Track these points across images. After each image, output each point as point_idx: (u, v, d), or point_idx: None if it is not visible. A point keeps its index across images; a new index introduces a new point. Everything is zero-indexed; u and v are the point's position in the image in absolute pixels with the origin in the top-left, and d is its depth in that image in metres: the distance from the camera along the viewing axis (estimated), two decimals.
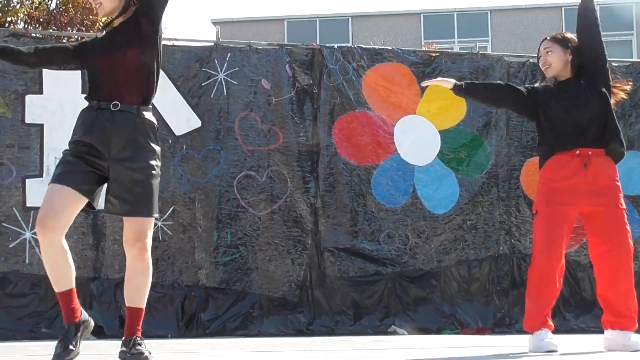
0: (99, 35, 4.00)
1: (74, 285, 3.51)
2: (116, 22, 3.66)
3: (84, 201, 3.45)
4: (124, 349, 3.40)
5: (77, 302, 3.52)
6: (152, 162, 3.52)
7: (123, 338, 3.51)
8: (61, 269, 3.44)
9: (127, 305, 3.59)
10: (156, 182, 3.55)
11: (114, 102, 3.47)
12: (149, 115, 3.57)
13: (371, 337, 6.29)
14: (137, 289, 3.56)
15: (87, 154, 3.46)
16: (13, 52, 3.71)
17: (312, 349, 5.03)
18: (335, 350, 4.98)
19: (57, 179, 3.43)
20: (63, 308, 3.49)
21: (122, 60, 3.51)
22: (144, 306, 3.60)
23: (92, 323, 3.62)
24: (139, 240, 3.46)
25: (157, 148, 3.60)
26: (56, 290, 3.50)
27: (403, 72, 7.09)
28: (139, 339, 3.48)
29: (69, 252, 3.48)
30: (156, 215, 3.58)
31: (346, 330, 6.66)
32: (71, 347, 3.40)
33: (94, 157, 3.47)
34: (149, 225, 3.51)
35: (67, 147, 3.57)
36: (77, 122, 3.60)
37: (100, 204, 3.62)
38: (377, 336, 6.43)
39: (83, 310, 3.56)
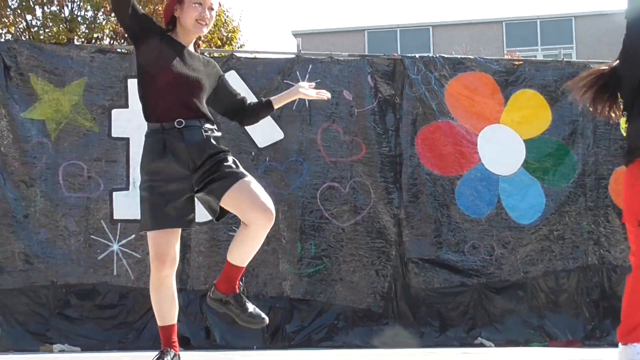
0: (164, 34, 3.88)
1: (175, 321, 3.62)
2: (186, 42, 3.67)
3: (180, 229, 3.57)
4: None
5: (176, 338, 3.63)
6: (226, 154, 3.54)
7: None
8: (169, 305, 3.57)
9: (232, 262, 3.56)
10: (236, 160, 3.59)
11: (178, 120, 3.51)
12: (212, 126, 3.60)
13: (458, 350, 6.29)
14: (249, 253, 3.55)
15: (166, 181, 3.48)
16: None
17: None
18: None
19: (157, 224, 3.46)
20: (163, 341, 3.61)
21: (190, 82, 3.56)
22: (245, 265, 3.62)
23: None
24: (264, 206, 3.44)
25: (227, 149, 3.65)
26: (159, 323, 3.61)
27: (486, 81, 7.11)
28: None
29: (176, 290, 3.60)
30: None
31: (432, 342, 6.67)
32: None
33: (173, 181, 3.49)
34: (258, 187, 3.49)
35: (144, 178, 3.58)
36: (144, 149, 3.62)
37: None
38: (463, 348, 6.43)
39: (178, 347, 3.68)
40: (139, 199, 3.56)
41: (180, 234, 3.60)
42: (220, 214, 3.58)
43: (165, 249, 3.46)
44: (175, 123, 3.48)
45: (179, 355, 3.61)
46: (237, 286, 3.61)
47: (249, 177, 3.48)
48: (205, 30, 3.68)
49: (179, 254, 3.58)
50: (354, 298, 6.78)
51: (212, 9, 3.66)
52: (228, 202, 3.47)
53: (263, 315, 3.64)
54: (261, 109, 3.84)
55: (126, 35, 3.76)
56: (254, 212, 3.41)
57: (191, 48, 3.66)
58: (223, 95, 3.77)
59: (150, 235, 3.51)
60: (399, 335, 6.75)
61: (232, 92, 3.80)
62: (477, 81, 7.10)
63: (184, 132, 3.49)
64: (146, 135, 3.62)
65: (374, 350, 6.40)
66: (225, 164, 3.49)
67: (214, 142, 3.54)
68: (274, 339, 6.73)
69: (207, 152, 3.50)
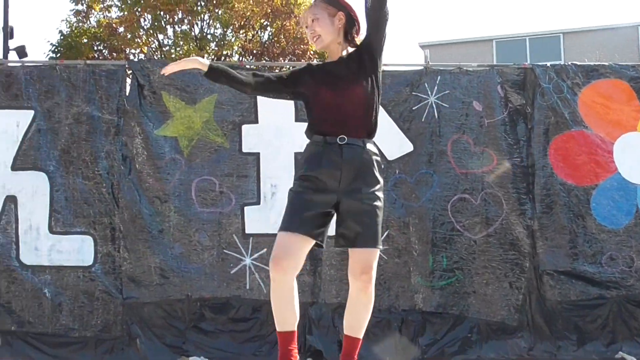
0: (313, 64, 3.99)
1: (295, 328, 3.57)
2: (334, 56, 3.75)
3: (312, 243, 3.55)
4: None
5: (295, 346, 3.57)
6: (378, 194, 3.58)
7: None
8: (287, 310, 3.53)
9: (345, 333, 3.66)
10: (381, 214, 3.61)
11: (340, 136, 3.55)
12: (373, 148, 3.65)
13: None
14: (358, 320, 3.61)
15: (314, 191, 3.54)
16: (232, 76, 3.80)
17: None
18: None
19: (290, 226, 3.51)
20: (280, 348, 3.56)
21: (349, 95, 3.59)
22: (361, 336, 3.65)
23: None
24: (364, 272, 3.52)
25: (382, 180, 3.66)
26: (278, 329, 3.59)
27: (622, 88, 6.90)
28: None
29: (297, 296, 3.57)
30: (380, 247, 3.63)
31: (569, 356, 6.53)
32: None
33: (321, 192, 3.55)
34: (374, 257, 3.55)
35: (296, 183, 3.65)
36: (302, 157, 3.71)
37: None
38: None
39: (296, 356, 3.62)
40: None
41: (309, 245, 3.57)
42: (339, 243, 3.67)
43: (283, 253, 3.45)
44: (338, 139, 3.55)
45: None
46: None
47: (372, 249, 3.52)
48: (321, 42, 3.73)
49: (307, 266, 3.59)
50: (488, 311, 6.67)
51: (316, 18, 3.72)
52: (352, 254, 3.57)
53: None
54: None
55: (369, 64, 3.80)
56: (357, 281, 3.53)
57: (345, 55, 3.73)
58: None
59: (278, 235, 3.54)
60: (534, 349, 6.60)
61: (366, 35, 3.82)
62: (612, 88, 6.89)
63: (343, 148, 3.54)
64: (308, 144, 3.70)
65: None
66: (365, 218, 3.51)
67: (371, 168, 3.58)
68: (406, 352, 6.66)
69: (360, 179, 3.53)
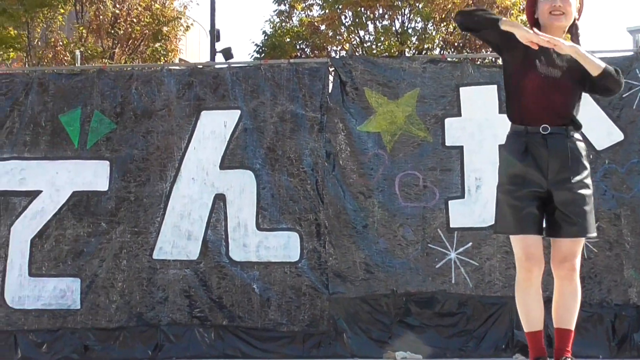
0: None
1: (542, 326, 3.70)
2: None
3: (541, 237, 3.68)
4: None
5: (543, 343, 3.69)
6: (587, 181, 3.64)
7: (552, 359, 3.62)
8: (535, 309, 3.67)
9: (555, 326, 3.70)
10: (592, 201, 3.64)
11: (543, 126, 3.60)
12: (578, 135, 3.68)
13: None
14: (567, 311, 3.66)
15: (528, 185, 3.62)
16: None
17: None
18: None
19: (522, 226, 3.63)
20: (530, 346, 3.71)
21: (557, 84, 3.63)
22: (573, 327, 3.69)
23: None
24: (567, 260, 3.59)
25: (589, 167, 3.70)
26: (526, 329, 3.72)
27: None
28: (569, 359, 3.61)
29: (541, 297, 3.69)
30: (593, 234, 3.69)
31: None
32: None
33: (534, 185, 3.62)
34: (579, 245, 3.64)
35: (503, 180, 3.74)
36: (505, 150, 3.79)
37: None
38: None
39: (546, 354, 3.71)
40: (495, 200, 3.78)
41: (541, 240, 3.67)
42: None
43: (533, 249, 3.58)
44: (541, 129, 3.60)
45: None
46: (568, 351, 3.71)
47: (579, 236, 3.62)
48: (564, 20, 3.68)
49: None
50: None
51: None
52: (555, 243, 3.65)
53: None
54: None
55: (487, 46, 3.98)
56: (559, 270, 3.62)
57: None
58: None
59: (515, 240, 3.66)
60: None
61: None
62: None
63: (547, 138, 3.60)
64: (508, 136, 3.76)
65: None
66: (575, 207, 3.59)
67: (578, 156, 3.63)
68: (620, 348, 6.80)
69: (567, 168, 3.59)
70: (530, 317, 3.69)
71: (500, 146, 4.02)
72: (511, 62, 3.74)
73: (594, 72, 3.62)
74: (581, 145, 3.68)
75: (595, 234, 3.73)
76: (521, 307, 3.69)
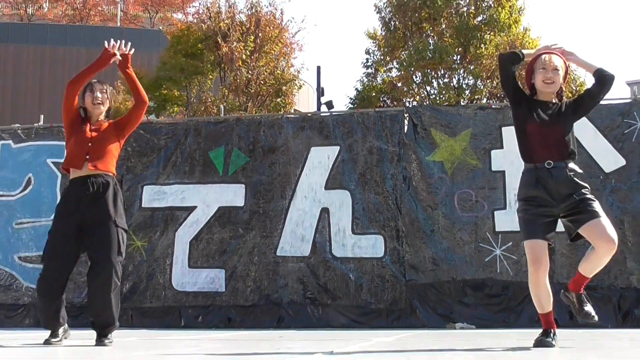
0: (532, 97, 4.54)
1: (551, 308, 4.32)
2: (546, 98, 4.34)
3: (546, 243, 4.28)
4: None
5: (552, 318, 4.29)
6: (587, 193, 4.24)
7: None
8: (544, 298, 4.26)
9: (579, 271, 4.31)
10: (593, 197, 4.24)
11: (547, 162, 4.18)
12: (573, 165, 4.28)
13: None
14: (593, 268, 4.24)
15: (538, 206, 4.17)
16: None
17: None
18: None
19: (532, 234, 4.19)
20: (544, 322, 4.32)
21: (552, 128, 4.26)
22: (590, 277, 4.30)
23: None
24: (603, 238, 4.12)
25: (588, 186, 4.29)
26: (539, 311, 4.33)
27: None
28: (583, 294, 4.26)
29: (549, 285, 4.27)
30: (604, 216, 4.20)
31: None
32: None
33: (544, 206, 4.18)
34: (605, 223, 4.17)
35: (520, 203, 4.32)
36: (522, 181, 4.35)
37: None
38: None
39: (554, 325, 4.28)
40: (517, 219, 4.41)
41: (546, 246, 4.25)
42: (575, 237, 4.30)
43: (539, 255, 4.13)
44: (545, 164, 4.18)
45: (555, 331, 4.28)
46: (582, 290, 4.33)
47: (602, 215, 4.11)
48: (553, 87, 4.32)
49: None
50: None
51: (557, 69, 4.30)
52: (584, 232, 4.18)
53: (593, 314, 4.33)
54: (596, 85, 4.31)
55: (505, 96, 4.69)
56: (601, 242, 4.09)
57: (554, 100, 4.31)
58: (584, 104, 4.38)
59: (527, 244, 4.23)
60: None
61: (583, 97, 4.41)
62: None
63: (552, 171, 4.18)
64: (523, 173, 4.34)
65: None
66: (587, 203, 4.13)
67: (577, 180, 4.20)
68: (624, 320, 8.27)
69: (570, 188, 4.16)
70: (541, 303, 4.21)
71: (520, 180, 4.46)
72: (518, 114, 4.38)
73: (591, 70, 4.31)
74: (578, 173, 4.24)
75: (604, 216, 4.19)
76: (534, 296, 4.24)
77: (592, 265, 4.24)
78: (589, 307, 4.33)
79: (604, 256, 4.14)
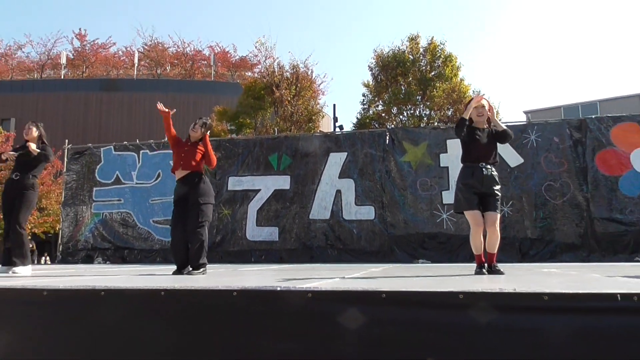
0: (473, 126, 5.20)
1: (482, 252, 4.00)
2: (481, 125, 4.17)
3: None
4: None
5: (483, 259, 3.96)
6: (498, 189, 4.03)
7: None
8: (478, 245, 3.98)
9: (487, 251, 4.00)
10: (499, 196, 4.04)
11: (481, 164, 4.04)
12: (493, 167, 4.09)
13: None
14: (493, 245, 3.96)
15: (472, 189, 4.03)
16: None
17: None
18: None
19: (471, 206, 3.99)
20: (477, 261, 4.03)
21: (486, 144, 4.08)
22: (495, 252, 4.01)
23: None
24: (493, 224, 3.93)
25: (499, 182, 4.11)
26: (475, 252, 4.02)
27: (634, 127, 8.34)
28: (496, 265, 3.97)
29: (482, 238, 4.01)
30: (499, 214, 4.02)
31: (610, 260, 7.86)
32: None
33: (476, 190, 4.02)
34: (497, 217, 3.99)
35: (460, 186, 4.05)
36: (462, 173, 4.11)
37: None
38: None
39: (484, 263, 3.97)
40: (454, 195, 4.20)
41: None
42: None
43: (478, 219, 4.03)
44: (479, 164, 4.07)
45: (485, 265, 4.02)
46: (494, 260, 4.01)
47: (497, 210, 3.96)
48: (484, 118, 4.11)
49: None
50: (563, 235, 8.44)
51: (484, 107, 4.13)
52: (484, 216, 4.05)
53: (502, 271, 3.85)
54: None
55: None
56: (490, 228, 3.99)
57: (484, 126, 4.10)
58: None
59: (468, 213, 4.07)
60: (590, 257, 8.12)
61: (498, 134, 4.12)
62: (629, 127, 8.47)
63: (483, 170, 4.07)
64: (463, 168, 4.17)
65: None
66: (494, 198, 3.99)
67: (495, 178, 4.08)
68: (523, 258, 8.38)
69: (492, 183, 4.05)
70: (476, 248, 4.06)
71: (460, 172, 4.15)
72: (468, 138, 4.15)
73: (500, 129, 4.14)
74: (495, 173, 4.13)
75: (500, 214, 4.07)
76: (473, 245, 4.06)
77: (489, 243, 4.09)
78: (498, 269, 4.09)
79: (492, 236, 4.02)
